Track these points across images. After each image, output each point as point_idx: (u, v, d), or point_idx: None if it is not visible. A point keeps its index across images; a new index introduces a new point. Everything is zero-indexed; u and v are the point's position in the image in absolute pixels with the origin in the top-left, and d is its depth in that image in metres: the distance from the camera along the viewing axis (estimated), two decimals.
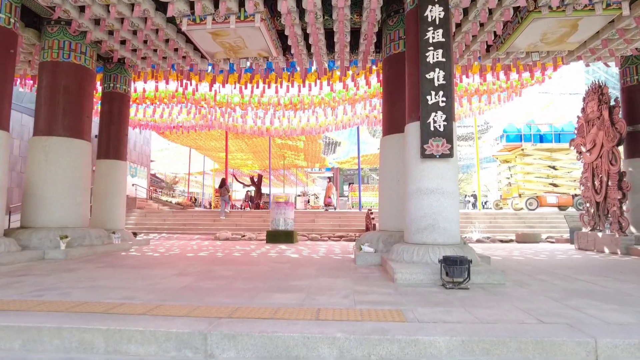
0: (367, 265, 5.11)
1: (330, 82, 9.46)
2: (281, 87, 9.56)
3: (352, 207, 37.91)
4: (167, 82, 9.93)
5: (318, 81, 9.46)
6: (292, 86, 9.53)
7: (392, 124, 5.91)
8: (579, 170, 19.65)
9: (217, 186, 22.37)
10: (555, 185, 17.83)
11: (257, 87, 9.67)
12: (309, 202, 47.60)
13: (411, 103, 4.69)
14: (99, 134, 8.17)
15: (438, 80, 4.41)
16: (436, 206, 4.32)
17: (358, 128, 16.76)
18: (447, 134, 4.34)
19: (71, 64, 6.44)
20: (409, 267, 3.99)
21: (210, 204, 45.67)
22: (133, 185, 21.00)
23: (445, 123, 4.35)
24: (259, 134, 14.00)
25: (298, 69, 8.97)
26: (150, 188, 35.94)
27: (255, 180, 44.92)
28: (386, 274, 4.40)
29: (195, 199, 28.57)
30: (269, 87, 9.59)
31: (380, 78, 9.54)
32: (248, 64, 8.13)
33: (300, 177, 52.58)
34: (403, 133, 5.72)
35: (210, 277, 4.13)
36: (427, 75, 4.43)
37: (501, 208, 17.97)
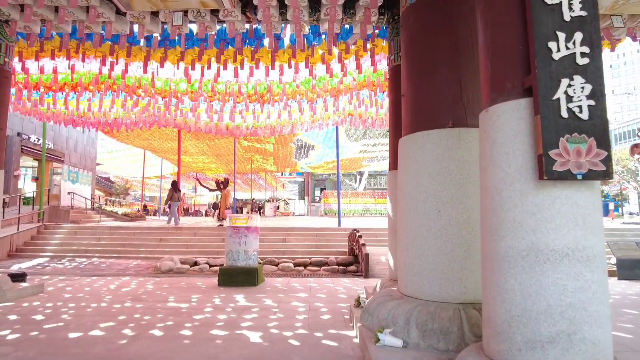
0: None
1: (310, 64, 6.98)
2: (242, 68, 6.99)
3: (325, 214, 35.57)
4: (82, 59, 7.16)
5: (293, 62, 6.98)
6: (257, 67, 6.98)
7: (425, 114, 3.47)
8: None
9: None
10: None
11: (209, 68, 7.06)
12: (278, 208, 45.04)
13: (499, 62, 2.24)
14: None
15: (571, 9, 2.01)
16: (574, 290, 1.90)
17: (337, 128, 14.36)
18: (599, 127, 1.94)
19: None
20: None
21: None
22: (69, 193, 17.73)
23: (593, 102, 1.95)
24: (217, 132, 11.31)
25: (265, 41, 6.47)
26: (97, 194, 32.37)
27: (222, 184, 41.90)
28: None
29: (146, 207, 25.27)
30: (224, 67, 6.99)
31: (376, 60, 7.19)
32: (189, 28, 5.58)
33: (270, 182, 49.90)
34: (446, 129, 3.33)
35: None
36: (547, 0, 2.02)
37: None
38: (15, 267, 9.77)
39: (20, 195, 13.87)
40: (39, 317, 4.29)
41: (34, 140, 16.19)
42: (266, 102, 8.82)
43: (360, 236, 8.30)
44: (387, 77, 8.35)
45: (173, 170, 36.84)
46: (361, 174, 45.03)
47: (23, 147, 15.52)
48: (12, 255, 11.21)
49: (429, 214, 3.28)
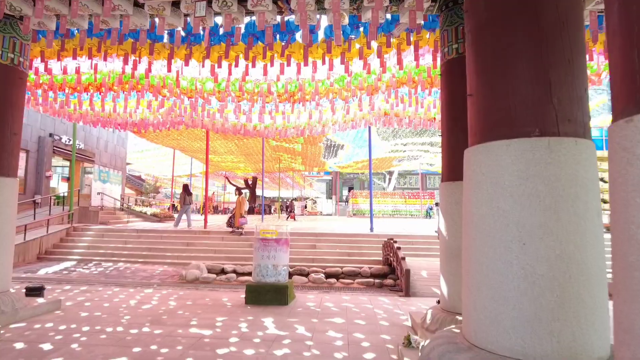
0: None
1: (346, 60, 6.34)
2: (272, 65, 6.41)
3: (353, 214, 34.82)
4: (104, 58, 6.77)
5: (327, 58, 6.36)
6: (288, 65, 6.39)
7: (502, 119, 2.73)
8: None
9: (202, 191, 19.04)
10: (604, 201, 14.84)
11: (236, 66, 6.52)
12: (305, 207, 44.61)
13: None
14: None
15: None
16: None
17: (370, 128, 13.64)
18: None
19: None
20: None
21: (200, 210, 42.47)
22: (99, 194, 17.78)
23: None
24: (246, 133, 10.83)
25: (297, 35, 5.88)
26: (129, 193, 32.76)
27: (250, 182, 41.80)
28: None
29: (175, 206, 25.26)
30: (253, 65, 6.44)
31: (419, 55, 6.49)
32: (214, 21, 5.06)
33: (297, 180, 49.62)
34: (532, 138, 2.59)
35: None
36: None
37: None
38: (43, 272, 9.61)
39: (50, 197, 13.88)
40: (47, 346, 3.83)
41: (65, 141, 16.24)
42: (297, 101, 8.23)
43: (399, 248, 7.60)
44: (429, 73, 7.62)
45: (202, 169, 36.99)
46: (390, 173, 44.03)
47: (55, 148, 15.62)
48: (41, 257, 11.12)
49: (510, 246, 2.58)
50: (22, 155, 14.13)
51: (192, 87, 7.92)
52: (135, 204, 22.92)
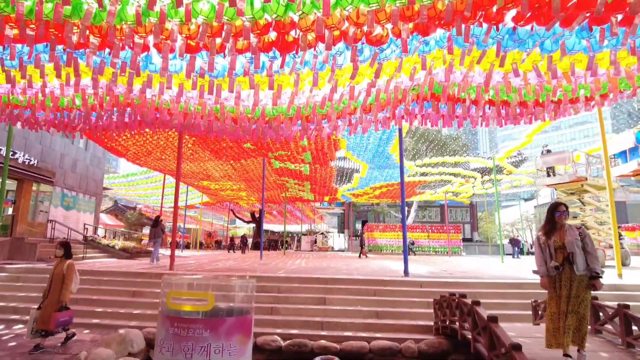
0: None
1: None
2: None
3: (369, 250, 30.46)
4: None
5: None
6: None
7: None
8: None
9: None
10: None
11: None
12: (315, 242, 40.26)
13: None
14: None
15: None
16: None
17: (401, 132, 9.88)
18: None
19: None
20: None
21: (201, 244, 38.51)
22: (50, 221, 14.10)
23: None
24: (222, 131, 7.13)
25: None
26: (114, 224, 29.24)
27: (257, 216, 37.77)
28: None
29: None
30: None
31: None
32: None
33: (307, 213, 45.67)
34: None
35: None
36: None
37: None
38: None
39: None
40: None
41: (18, 158, 12.81)
42: (291, 46, 4.57)
43: (495, 320, 3.58)
44: None
45: (202, 200, 33.35)
46: (409, 205, 39.78)
47: None
48: None
49: None
50: None
51: (101, 16, 4.34)
52: (104, 237, 19.16)
